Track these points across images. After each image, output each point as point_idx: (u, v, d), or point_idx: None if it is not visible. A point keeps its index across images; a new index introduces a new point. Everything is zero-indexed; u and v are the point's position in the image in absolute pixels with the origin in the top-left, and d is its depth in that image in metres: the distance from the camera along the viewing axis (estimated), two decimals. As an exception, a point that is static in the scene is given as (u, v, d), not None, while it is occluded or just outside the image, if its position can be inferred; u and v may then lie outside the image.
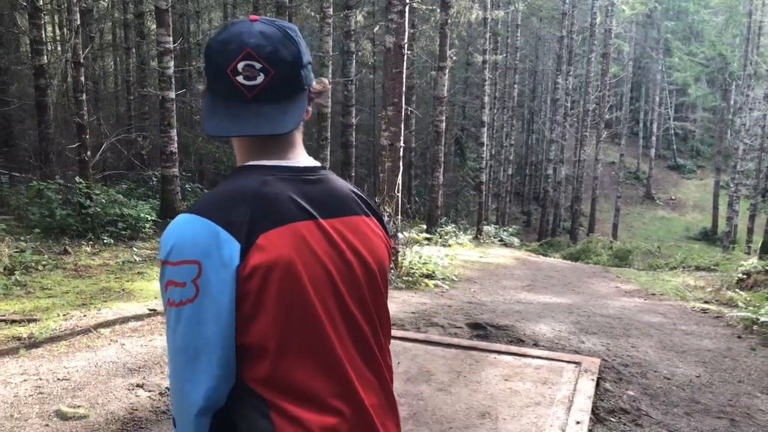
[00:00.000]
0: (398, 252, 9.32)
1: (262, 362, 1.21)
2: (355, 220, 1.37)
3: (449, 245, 14.86)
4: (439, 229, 16.14)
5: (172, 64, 12.70)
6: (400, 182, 9.94)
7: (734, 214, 29.13)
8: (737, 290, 10.44)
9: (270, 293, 1.18)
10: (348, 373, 1.27)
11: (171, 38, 12.65)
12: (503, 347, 5.45)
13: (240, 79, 1.23)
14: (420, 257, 10.07)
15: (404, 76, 9.81)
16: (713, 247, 31.75)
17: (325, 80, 1.39)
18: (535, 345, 5.78)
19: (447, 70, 16.32)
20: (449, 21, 15.87)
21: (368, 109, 26.45)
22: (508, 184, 31.77)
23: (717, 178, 35.52)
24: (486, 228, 20.14)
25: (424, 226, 15.80)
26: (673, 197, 41.61)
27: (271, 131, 1.23)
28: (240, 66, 1.23)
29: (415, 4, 12.97)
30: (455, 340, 5.56)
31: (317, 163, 1.38)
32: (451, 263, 11.67)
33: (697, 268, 15.56)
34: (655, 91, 44.60)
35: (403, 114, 9.93)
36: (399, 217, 9.45)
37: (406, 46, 9.75)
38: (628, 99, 40.62)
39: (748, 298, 9.50)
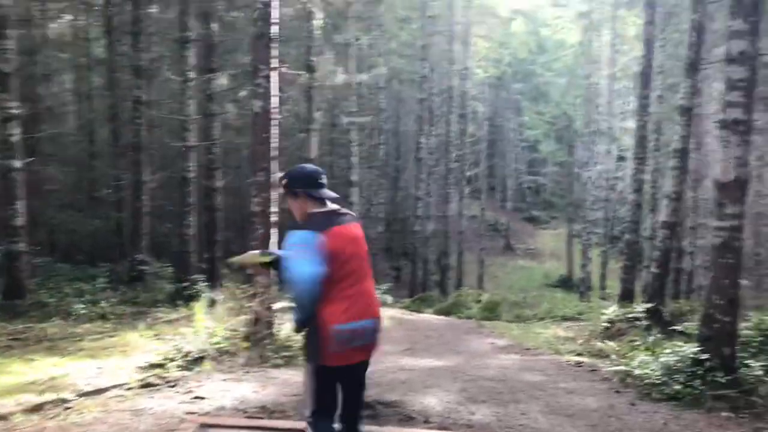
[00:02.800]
0: (273, 325, 8.79)
1: (329, 280, 3.48)
2: (354, 224, 3.74)
3: (325, 309, 14.38)
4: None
5: (18, 130, 11.62)
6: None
7: (588, 261, 30.92)
8: (605, 340, 10.79)
9: (333, 256, 3.46)
10: (360, 282, 3.65)
11: (17, 103, 11.61)
12: (395, 430, 5.09)
13: (321, 181, 3.73)
14: (297, 327, 9.54)
15: (273, 140, 9.48)
16: (571, 293, 33.36)
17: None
18: (426, 422, 5.48)
19: (315, 132, 16.21)
20: (315, 84, 15.84)
21: (234, 171, 25.70)
22: (379, 241, 31.92)
23: (569, 228, 37.67)
24: (359, 288, 19.85)
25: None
26: (531, 247, 43.66)
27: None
28: (322, 177, 3.74)
29: (283, 69, 12.78)
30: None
31: (337, 207, 3.72)
32: (328, 330, 11.20)
33: (564, 318, 16.14)
34: (509, 148, 47.15)
35: (273, 179, 9.56)
36: (274, 287, 8.95)
37: (273, 110, 9.46)
38: (485, 156, 42.58)
39: (617, 348, 9.80)
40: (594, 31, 32.63)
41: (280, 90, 19.27)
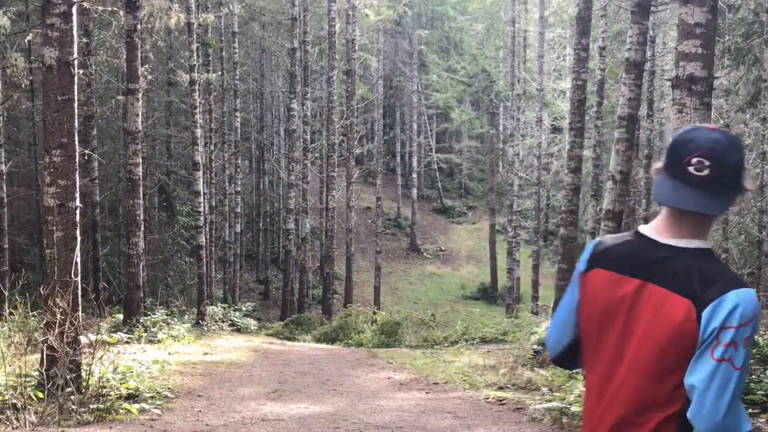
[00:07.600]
0: (80, 365, 8.45)
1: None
2: (661, 292, 2.44)
3: (159, 341, 14.11)
4: (143, 319, 15.27)
5: None
6: (78, 258, 9.12)
7: (515, 264, 31.81)
8: (535, 368, 11.11)
9: (582, 310, 2.70)
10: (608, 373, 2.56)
11: None
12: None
13: (690, 169, 2.34)
14: (115, 368, 9.23)
15: (76, 104, 9.11)
16: (495, 306, 34.33)
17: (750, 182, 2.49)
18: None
19: (141, 94, 15.76)
20: (139, 27, 15.38)
21: (26, 150, 24.66)
22: (237, 245, 31.52)
23: (492, 221, 38.63)
24: (211, 309, 19.59)
25: (121, 317, 14.82)
26: (442, 247, 44.53)
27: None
28: (693, 160, 2.33)
29: (87, 5, 12.31)
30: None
31: (676, 240, 2.45)
32: (163, 370, 10.97)
33: (483, 340, 16.53)
34: (412, 116, 47.74)
35: (77, 159, 9.20)
36: (79, 313, 8.60)
37: (76, 62, 9.09)
38: (381, 127, 42.92)
39: (550, 378, 10.11)
40: (520, -40, 33.58)
41: (87, 34, 18.71)
